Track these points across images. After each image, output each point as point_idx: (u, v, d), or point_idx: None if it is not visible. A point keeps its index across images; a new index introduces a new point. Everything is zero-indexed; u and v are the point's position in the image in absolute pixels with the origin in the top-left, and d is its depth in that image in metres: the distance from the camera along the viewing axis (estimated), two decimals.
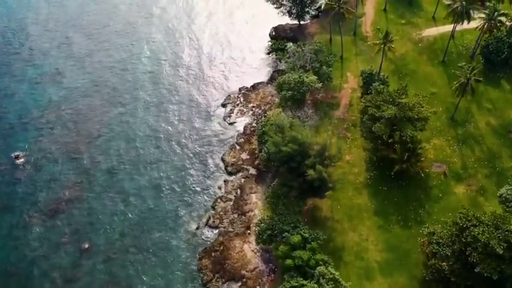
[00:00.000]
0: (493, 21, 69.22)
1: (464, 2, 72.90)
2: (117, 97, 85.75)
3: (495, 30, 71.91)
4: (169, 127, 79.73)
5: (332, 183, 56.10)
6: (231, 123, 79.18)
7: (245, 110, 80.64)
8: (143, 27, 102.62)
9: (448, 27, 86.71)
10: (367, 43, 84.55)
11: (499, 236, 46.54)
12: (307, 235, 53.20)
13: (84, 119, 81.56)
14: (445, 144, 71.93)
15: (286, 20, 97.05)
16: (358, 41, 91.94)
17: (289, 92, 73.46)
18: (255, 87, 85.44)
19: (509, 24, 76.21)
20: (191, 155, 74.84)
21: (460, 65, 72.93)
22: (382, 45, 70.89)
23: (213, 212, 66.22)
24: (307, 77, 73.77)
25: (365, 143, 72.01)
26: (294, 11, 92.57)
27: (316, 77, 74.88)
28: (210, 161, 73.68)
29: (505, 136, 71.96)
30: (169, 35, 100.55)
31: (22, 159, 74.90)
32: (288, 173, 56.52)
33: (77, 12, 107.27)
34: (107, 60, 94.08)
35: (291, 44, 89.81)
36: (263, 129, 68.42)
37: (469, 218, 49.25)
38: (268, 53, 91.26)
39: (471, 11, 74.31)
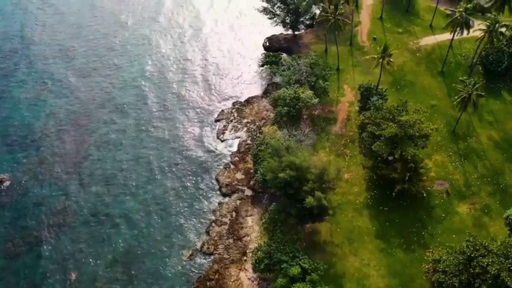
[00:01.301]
0: (494, 33, 66.83)
1: (464, 13, 70.55)
2: (105, 115, 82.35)
3: (495, 41, 69.54)
4: (160, 146, 76.50)
5: (331, 210, 53.32)
6: (224, 141, 76.15)
7: (239, 126, 77.68)
8: (133, 42, 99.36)
9: (446, 36, 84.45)
10: (365, 57, 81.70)
11: (509, 267, 44.11)
12: (307, 266, 50.45)
13: (71, 138, 78.13)
14: (447, 160, 69.56)
15: (280, 30, 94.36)
16: (354, 51, 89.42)
17: (285, 108, 70.69)
18: (249, 101, 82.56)
19: (509, 33, 73.99)
20: (183, 175, 71.70)
21: (461, 78, 70.58)
22: (380, 59, 68.18)
23: (207, 237, 63.20)
24: (303, 92, 71.05)
25: (365, 161, 69.43)
26: (288, 21, 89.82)
27: (312, 92, 72.20)
28: (203, 181, 70.58)
29: (507, 151, 69.77)
30: (159, 48, 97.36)
31: (7, 183, 71.37)
32: (286, 198, 53.75)
33: (67, 24, 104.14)
34: (95, 76, 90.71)
35: (285, 55, 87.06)
36: (258, 148, 65.63)
37: (477, 247, 46.75)
38: (262, 65, 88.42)
39: (471, 22, 72.05)
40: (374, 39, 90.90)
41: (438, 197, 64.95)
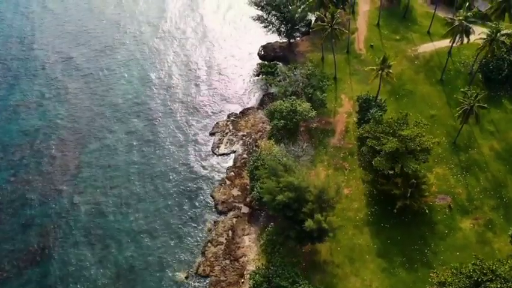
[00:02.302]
0: (495, 42, 65.07)
1: (464, 22, 68.76)
2: (96, 129, 79.69)
3: (496, 50, 67.84)
4: (153, 162, 73.89)
5: (332, 232, 51.23)
6: (220, 155, 73.85)
7: (235, 139, 75.43)
8: (124, 49, 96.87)
9: (444, 42, 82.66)
10: (364, 68, 79.47)
11: None
12: None
13: (62, 154, 75.43)
14: (448, 172, 67.73)
15: (275, 38, 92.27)
16: (351, 60, 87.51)
17: (282, 121, 68.55)
18: (244, 113, 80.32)
19: (510, 41, 72.32)
20: (177, 192, 69.31)
21: (462, 90, 68.82)
22: (379, 71, 66.21)
23: (202, 258, 60.88)
24: (300, 105, 68.94)
25: (364, 174, 67.49)
26: (283, 30, 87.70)
27: (309, 104, 70.12)
28: (198, 199, 68.26)
29: (510, 162, 68.04)
30: (152, 58, 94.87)
31: None
32: (284, 220, 51.64)
33: (59, 34, 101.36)
34: (87, 88, 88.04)
35: (281, 65, 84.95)
36: (255, 164, 63.44)
37: (484, 271, 44.92)
38: (258, 75, 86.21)
39: (471, 30, 70.30)
40: (371, 46, 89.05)
41: (441, 212, 63.12)
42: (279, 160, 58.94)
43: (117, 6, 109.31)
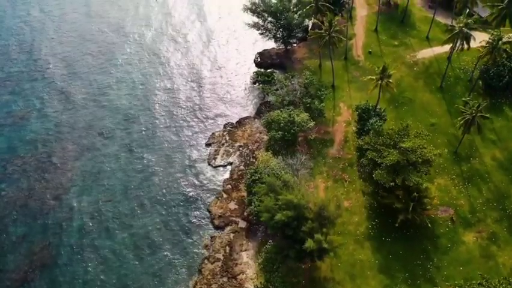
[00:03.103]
0: (496, 50, 63.65)
1: (465, 29, 67.28)
2: (90, 140, 77.63)
3: (498, 58, 66.45)
4: (148, 174, 71.95)
5: (332, 250, 49.57)
6: (216, 167, 71.96)
7: (231, 150, 73.61)
8: (119, 59, 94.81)
9: (443, 48, 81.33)
10: (363, 78, 77.67)
11: None
12: None
13: (53, 167, 73.35)
14: (450, 183, 66.27)
15: (271, 44, 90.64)
16: (350, 66, 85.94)
17: (279, 132, 66.96)
18: (241, 122, 78.48)
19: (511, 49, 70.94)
20: (173, 206, 67.41)
21: (464, 99, 67.39)
22: (379, 81, 64.62)
23: (199, 276, 59.01)
24: (298, 115, 67.33)
25: (364, 186, 65.95)
26: (279, 36, 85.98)
27: (307, 115, 68.49)
28: (194, 213, 66.36)
29: None
30: (145, 68, 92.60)
31: None
32: (283, 238, 49.95)
33: (53, 44, 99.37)
34: (80, 98, 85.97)
35: (278, 73, 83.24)
36: (252, 177, 61.68)
37: None
38: (254, 83, 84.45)
39: (472, 37, 68.83)
40: (369, 52, 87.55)
41: (443, 225, 61.64)
42: (277, 174, 57.30)
43: (102, 22, 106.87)
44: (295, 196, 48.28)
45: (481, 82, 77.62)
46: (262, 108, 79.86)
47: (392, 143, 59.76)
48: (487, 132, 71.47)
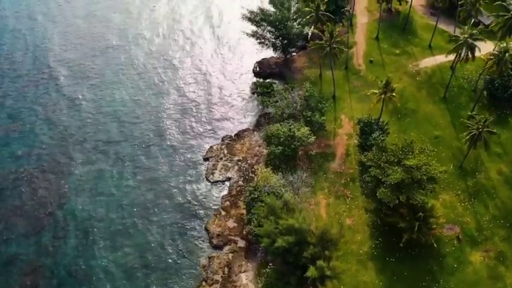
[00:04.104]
0: (502, 62, 61.71)
1: (469, 39, 65.30)
2: (83, 154, 75.10)
3: (504, 70, 64.55)
4: (143, 190, 69.41)
5: (335, 277, 47.51)
6: (214, 182, 69.73)
7: (230, 164, 71.40)
8: (112, 71, 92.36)
9: (446, 56, 79.34)
10: (366, 92, 75.10)
11: None
12: None
13: (45, 183, 70.86)
14: (455, 199, 64.30)
15: (270, 53, 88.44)
16: (351, 76, 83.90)
17: (279, 147, 64.84)
18: (239, 135, 76.25)
19: None
20: (170, 224, 65.09)
21: (470, 113, 65.44)
22: (382, 95, 62.58)
23: None
24: (298, 130, 65.24)
25: (367, 203, 63.89)
26: (279, 45, 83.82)
27: (308, 129, 66.38)
28: (191, 232, 64.05)
29: None
30: (142, 78, 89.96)
31: None
32: (284, 263, 47.86)
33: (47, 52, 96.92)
34: (72, 112, 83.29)
35: (278, 84, 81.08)
36: (251, 195, 59.56)
37: None
38: (253, 93, 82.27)
39: (476, 48, 66.89)
40: (371, 61, 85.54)
41: (449, 244, 59.64)
42: (278, 192, 55.19)
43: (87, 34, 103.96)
44: (296, 220, 46.21)
45: (485, 93, 75.71)
46: (262, 120, 77.71)
47: (396, 160, 57.70)
48: (493, 145, 69.24)
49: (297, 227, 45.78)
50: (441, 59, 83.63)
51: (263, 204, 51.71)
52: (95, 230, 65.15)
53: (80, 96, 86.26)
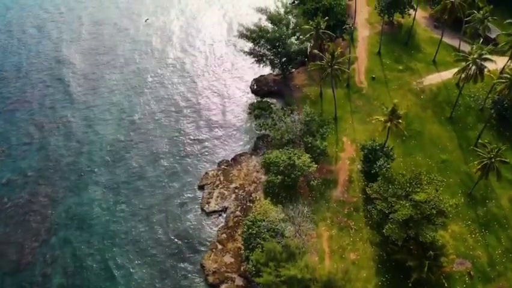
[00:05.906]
0: None
1: (478, 60, 61.76)
2: (71, 182, 71.13)
3: None
4: (134, 222, 65.43)
5: None
6: (210, 213, 65.87)
7: (226, 193, 67.56)
8: (102, 84, 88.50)
9: (451, 72, 75.88)
10: (371, 118, 71.47)
11: None
12: None
13: (31, 213, 66.87)
14: (465, 230, 60.73)
15: (268, 70, 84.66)
16: (352, 95, 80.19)
17: (279, 176, 61.09)
18: (236, 160, 72.38)
19: None
20: (162, 260, 61.02)
21: (481, 141, 61.89)
22: (388, 123, 58.93)
23: None
24: (299, 158, 61.47)
25: (372, 235, 60.30)
26: (277, 62, 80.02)
27: (309, 156, 62.63)
28: (186, 268, 60.07)
29: None
30: (136, 97, 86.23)
31: None
32: None
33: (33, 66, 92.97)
34: (62, 130, 79.64)
35: (276, 103, 77.26)
36: (249, 230, 55.76)
37: None
38: (250, 113, 78.44)
39: (485, 70, 63.38)
40: (373, 78, 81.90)
41: (460, 281, 56.06)
42: (277, 229, 51.40)
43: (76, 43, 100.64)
44: (298, 270, 42.51)
45: (492, 111, 72.18)
46: (259, 143, 73.94)
47: (403, 193, 54.08)
48: (503, 169, 65.79)
49: (300, 278, 42.14)
50: (446, 75, 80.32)
51: (262, 249, 47.92)
52: (82, 266, 61.15)
53: (71, 120, 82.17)
